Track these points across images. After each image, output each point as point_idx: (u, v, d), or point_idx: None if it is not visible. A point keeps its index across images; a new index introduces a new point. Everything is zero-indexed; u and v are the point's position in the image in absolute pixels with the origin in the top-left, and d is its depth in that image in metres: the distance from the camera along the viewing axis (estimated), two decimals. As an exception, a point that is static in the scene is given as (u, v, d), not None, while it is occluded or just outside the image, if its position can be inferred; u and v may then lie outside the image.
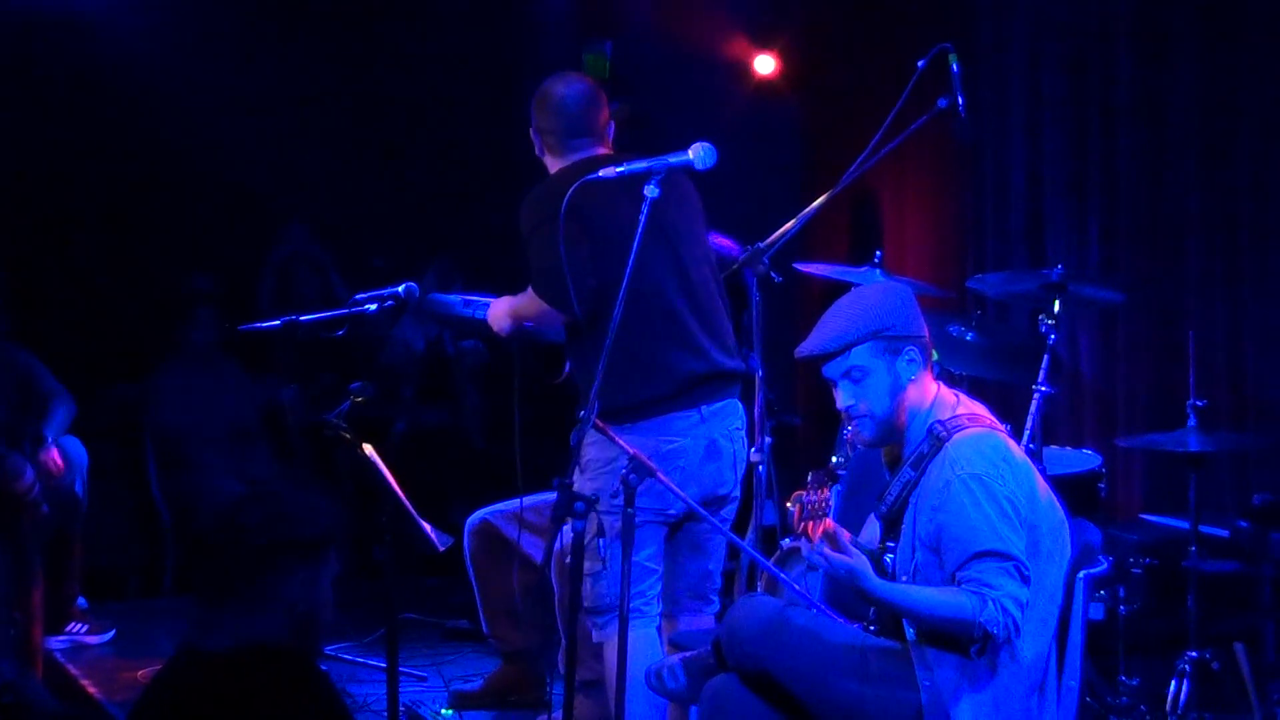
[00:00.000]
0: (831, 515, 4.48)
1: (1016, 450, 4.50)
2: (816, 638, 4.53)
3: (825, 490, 4.42)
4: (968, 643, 4.31)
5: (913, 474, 4.50)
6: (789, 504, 4.61)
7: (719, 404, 5.41)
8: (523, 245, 5.35)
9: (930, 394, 4.55)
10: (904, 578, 4.47)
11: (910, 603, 4.34)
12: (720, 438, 5.40)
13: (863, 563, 4.32)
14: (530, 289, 5.36)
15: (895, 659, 4.44)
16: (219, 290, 9.20)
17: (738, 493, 5.54)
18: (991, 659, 4.35)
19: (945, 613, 4.28)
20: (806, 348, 4.63)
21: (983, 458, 4.38)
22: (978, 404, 4.63)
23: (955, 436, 4.45)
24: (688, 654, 4.87)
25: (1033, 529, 4.39)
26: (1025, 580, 4.29)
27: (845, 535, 4.40)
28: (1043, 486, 4.49)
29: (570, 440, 4.83)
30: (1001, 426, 4.58)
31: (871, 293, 4.64)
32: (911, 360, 4.52)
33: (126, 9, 9.20)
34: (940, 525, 4.36)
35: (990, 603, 4.24)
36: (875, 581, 4.33)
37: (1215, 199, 7.53)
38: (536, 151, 5.53)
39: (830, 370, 4.59)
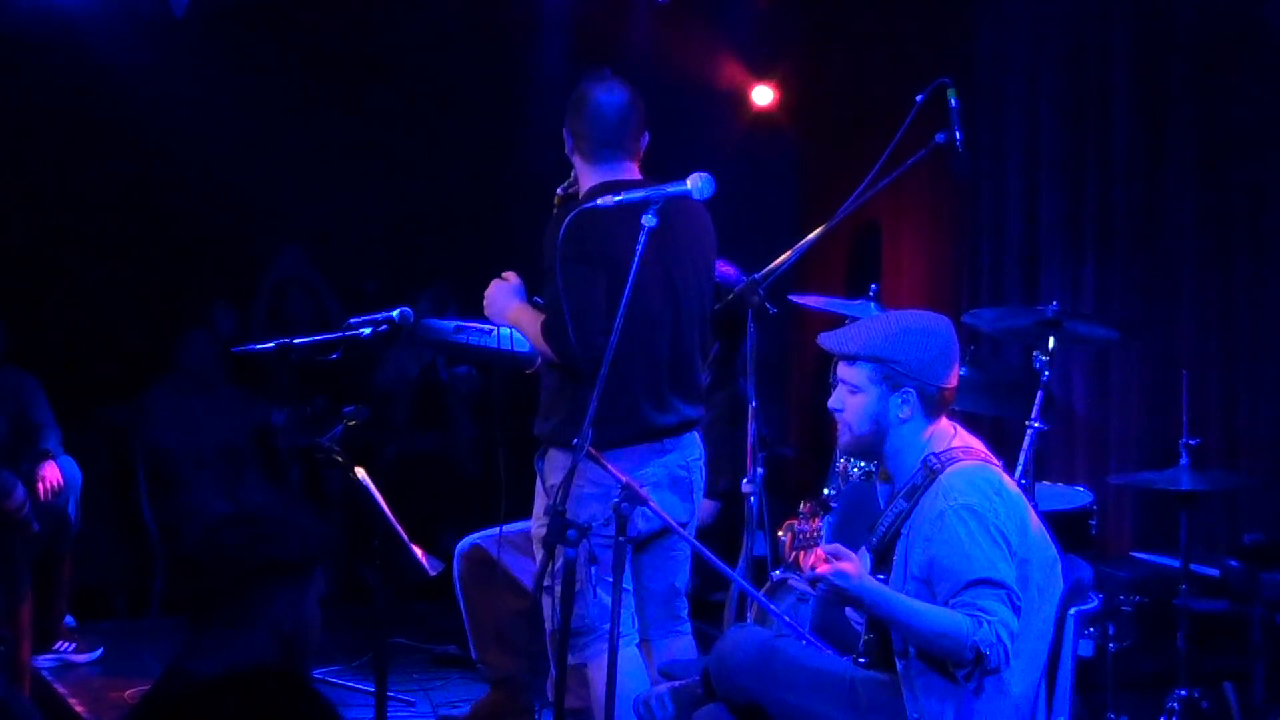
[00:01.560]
0: (822, 545, 4.48)
1: (1010, 484, 4.50)
2: (806, 669, 4.53)
3: (817, 520, 4.43)
4: (956, 666, 4.29)
5: (905, 505, 4.50)
6: (780, 533, 4.62)
7: (680, 438, 5.49)
8: (543, 269, 5.33)
9: (928, 432, 4.55)
10: None
11: (908, 614, 4.31)
12: (679, 468, 5.48)
13: (860, 567, 4.32)
14: (540, 324, 5.34)
15: (884, 690, 4.44)
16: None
17: (694, 519, 5.62)
18: (978, 690, 4.34)
19: (941, 628, 4.26)
20: (824, 336, 4.69)
21: (976, 490, 4.39)
22: (974, 438, 4.63)
23: (949, 469, 4.45)
24: (676, 684, 4.87)
25: (1024, 563, 4.38)
26: (1016, 610, 4.29)
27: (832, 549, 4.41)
28: (1035, 521, 4.49)
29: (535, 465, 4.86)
30: (996, 461, 4.58)
31: (911, 323, 4.61)
32: (905, 402, 4.51)
33: (123, 31, 9.20)
34: (933, 557, 4.36)
35: (985, 624, 4.23)
36: (876, 586, 4.33)
37: (1210, 238, 7.54)
38: (566, 149, 5.51)
39: (836, 368, 4.65)
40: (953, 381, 4.56)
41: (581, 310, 5.13)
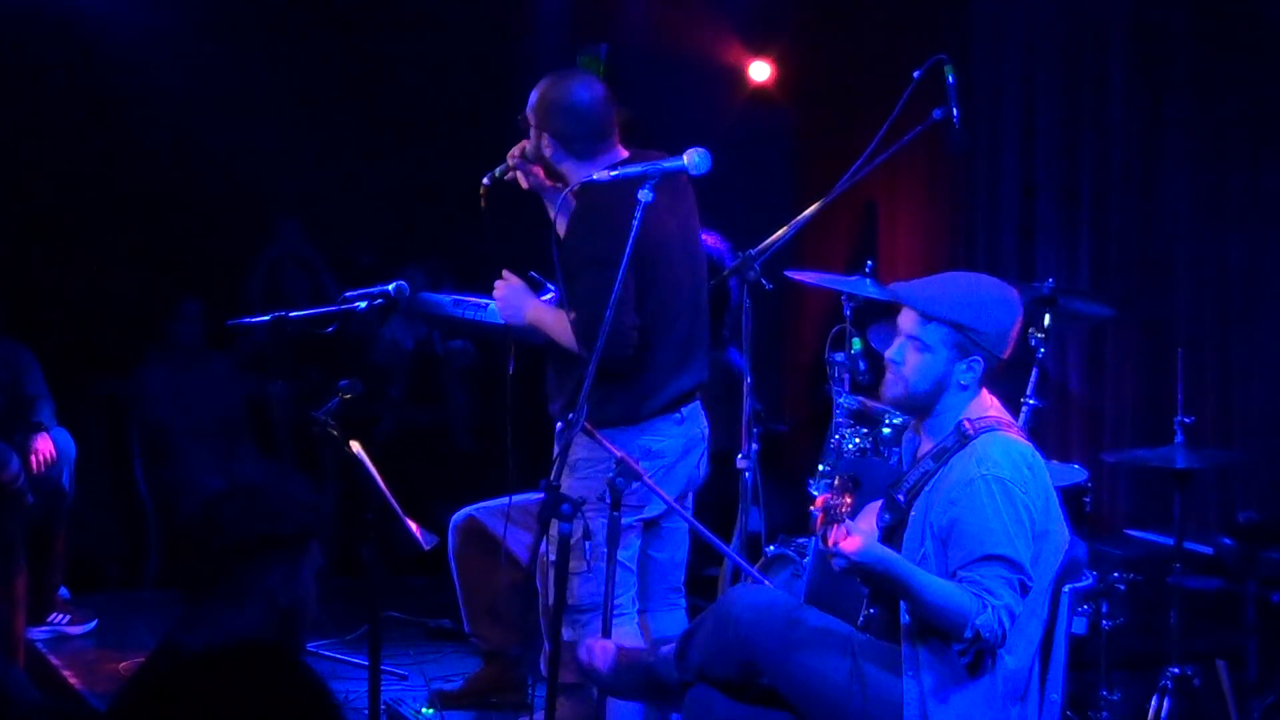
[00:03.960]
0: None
1: (1038, 458, 4.51)
2: (811, 628, 4.54)
3: (848, 496, 4.38)
4: (955, 641, 4.31)
5: (932, 465, 4.51)
6: (814, 507, 4.59)
7: (692, 405, 5.51)
8: (570, 259, 5.28)
9: (971, 399, 4.55)
10: None
11: (920, 587, 4.30)
12: (693, 438, 5.50)
13: (870, 538, 4.31)
14: (572, 325, 5.27)
15: (884, 657, 4.45)
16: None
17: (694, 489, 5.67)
18: (975, 665, 4.35)
19: (946, 603, 4.28)
20: (903, 289, 4.63)
21: (1010, 461, 4.40)
22: (1007, 416, 4.64)
23: (984, 435, 4.46)
24: (626, 645, 4.88)
25: (1042, 537, 4.40)
26: (1024, 593, 4.31)
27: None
28: (1055, 502, 4.51)
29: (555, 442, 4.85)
30: (1026, 437, 4.59)
31: (992, 291, 4.60)
32: (971, 370, 4.51)
33: (120, 7, 9.18)
34: (955, 519, 4.37)
35: (989, 609, 4.26)
36: (894, 558, 4.32)
37: (1206, 215, 7.54)
38: (546, 154, 5.44)
39: (904, 320, 4.59)
40: (1008, 354, 4.57)
41: (615, 305, 4.98)
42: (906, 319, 4.58)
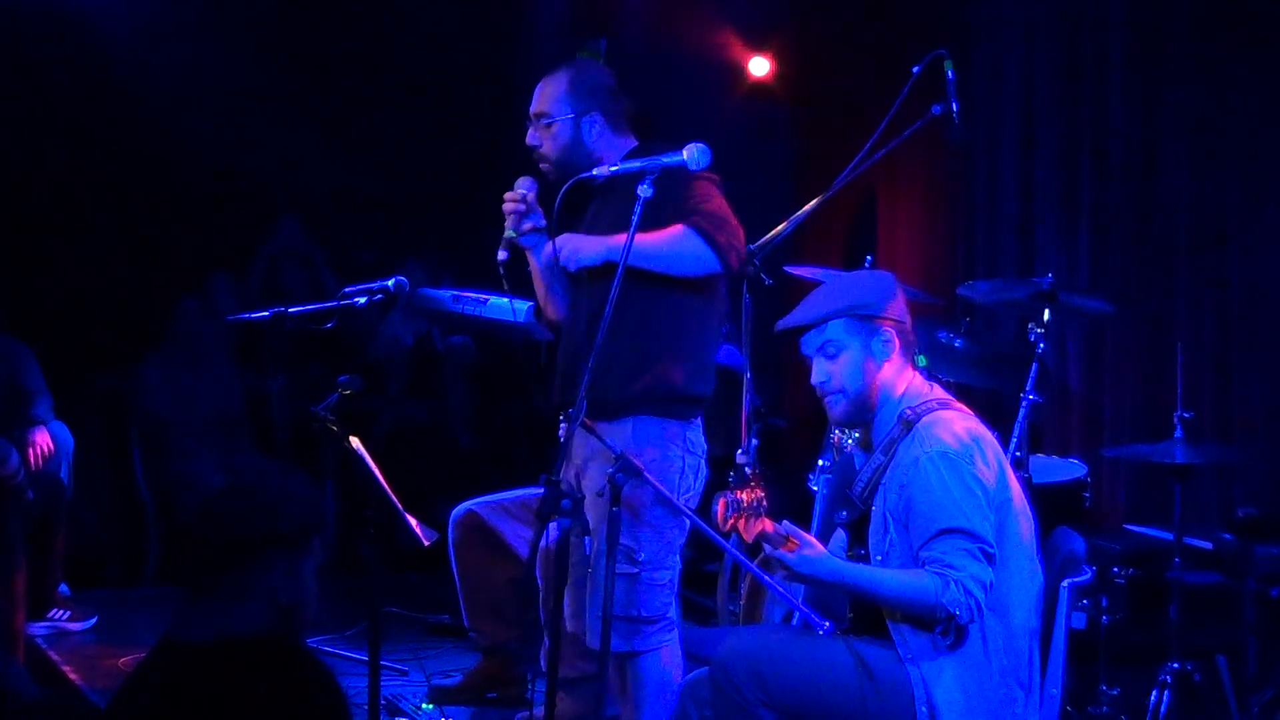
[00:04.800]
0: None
1: (985, 432, 4.54)
2: (802, 646, 4.54)
3: (758, 490, 4.45)
4: (934, 623, 4.35)
5: (883, 459, 4.55)
6: (717, 504, 4.62)
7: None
8: (682, 205, 5.15)
9: (905, 381, 4.61)
10: (878, 557, 4.49)
11: (873, 584, 4.40)
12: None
13: (816, 549, 4.35)
14: (693, 229, 5.12)
15: (882, 651, 4.45)
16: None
17: None
18: (960, 640, 4.38)
19: (908, 594, 4.35)
20: (786, 320, 4.72)
21: (951, 436, 4.44)
22: (950, 397, 4.67)
23: (925, 418, 4.51)
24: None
25: (1004, 506, 4.43)
26: (989, 560, 4.33)
27: (791, 527, 4.42)
28: (1010, 470, 4.55)
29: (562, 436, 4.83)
30: (972, 415, 4.61)
31: (854, 275, 4.80)
32: (887, 341, 4.59)
33: (118, 3, 9.18)
34: (908, 500, 4.42)
35: (952, 584, 4.29)
36: (835, 565, 4.37)
37: (1205, 211, 7.55)
38: (588, 139, 5.38)
39: (807, 344, 4.68)
40: (909, 319, 4.65)
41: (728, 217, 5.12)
42: (805, 344, 4.69)
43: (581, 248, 5.23)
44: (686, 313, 5.25)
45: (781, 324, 4.73)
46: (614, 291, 4.72)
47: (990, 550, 4.34)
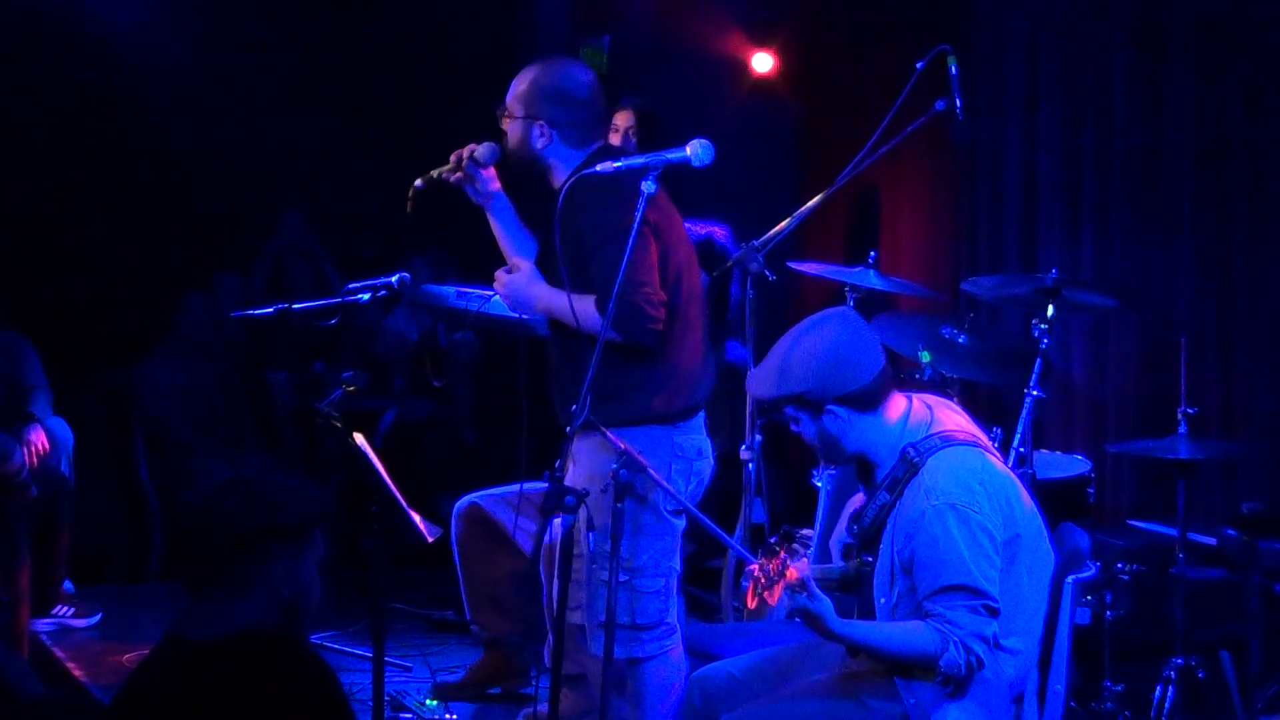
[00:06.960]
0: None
1: (996, 463, 4.45)
2: (794, 680, 4.55)
3: (778, 560, 4.41)
4: (935, 674, 4.31)
5: (888, 497, 4.44)
6: (745, 579, 4.61)
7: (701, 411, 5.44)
8: (584, 241, 5.04)
9: (895, 413, 4.47)
10: (882, 599, 4.44)
11: (875, 641, 4.35)
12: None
13: (826, 606, 4.28)
14: (596, 304, 4.99)
15: (878, 680, 4.43)
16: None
17: None
18: (962, 690, 4.33)
19: (909, 651, 4.31)
20: (749, 386, 4.71)
21: (957, 483, 4.32)
22: (954, 413, 4.59)
23: (930, 458, 4.39)
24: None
25: (1013, 541, 4.36)
26: (993, 615, 4.28)
27: (806, 572, 4.35)
28: (1025, 497, 4.46)
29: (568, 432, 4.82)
30: (980, 433, 4.55)
31: (807, 345, 4.46)
32: (836, 418, 4.43)
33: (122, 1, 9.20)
34: (913, 552, 4.33)
35: (952, 645, 4.24)
36: (839, 623, 4.31)
37: (1210, 206, 7.53)
38: (536, 145, 5.22)
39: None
40: (872, 371, 4.43)
41: (640, 282, 4.92)
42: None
43: (523, 300, 5.25)
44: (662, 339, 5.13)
45: (748, 388, 4.75)
46: (621, 278, 4.72)
47: (994, 605, 4.28)
